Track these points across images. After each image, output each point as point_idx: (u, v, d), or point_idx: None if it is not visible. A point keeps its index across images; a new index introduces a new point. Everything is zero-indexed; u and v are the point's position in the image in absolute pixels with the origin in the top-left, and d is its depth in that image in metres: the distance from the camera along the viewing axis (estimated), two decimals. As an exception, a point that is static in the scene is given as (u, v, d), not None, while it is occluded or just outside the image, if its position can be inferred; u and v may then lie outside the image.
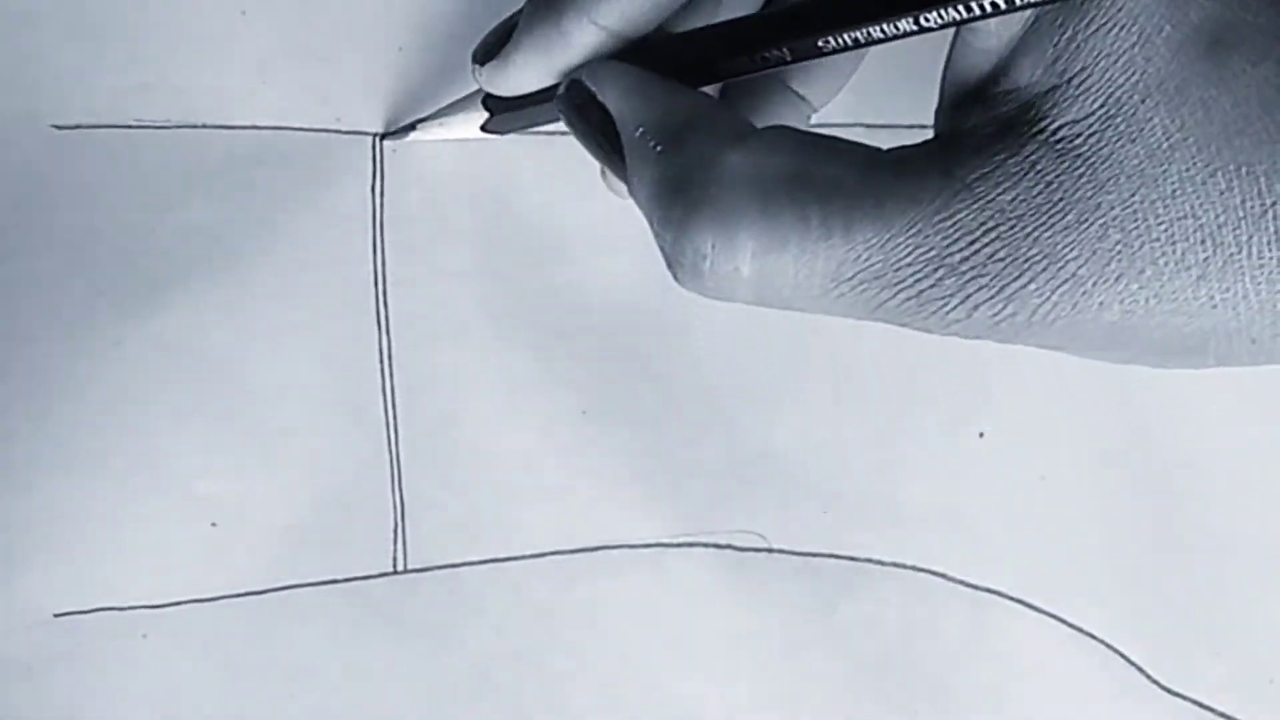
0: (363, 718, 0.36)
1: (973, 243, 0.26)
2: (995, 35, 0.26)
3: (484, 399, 0.37)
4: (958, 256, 0.26)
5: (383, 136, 0.37)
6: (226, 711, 0.36)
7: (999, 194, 0.25)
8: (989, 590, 0.37)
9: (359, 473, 0.37)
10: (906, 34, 0.26)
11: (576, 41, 0.29)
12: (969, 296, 0.26)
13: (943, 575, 0.37)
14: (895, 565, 0.37)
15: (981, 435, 0.38)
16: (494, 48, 0.31)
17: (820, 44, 0.27)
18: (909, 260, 0.26)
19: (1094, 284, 0.25)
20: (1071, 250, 0.25)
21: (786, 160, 0.27)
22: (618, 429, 0.37)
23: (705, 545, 0.37)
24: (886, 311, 0.26)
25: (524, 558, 0.37)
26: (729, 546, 0.37)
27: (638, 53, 0.30)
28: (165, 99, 0.37)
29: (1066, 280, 0.25)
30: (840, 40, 0.27)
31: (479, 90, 0.34)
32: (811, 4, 0.28)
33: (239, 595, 0.37)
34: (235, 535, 0.37)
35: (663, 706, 0.37)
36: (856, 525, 0.37)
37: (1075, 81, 0.25)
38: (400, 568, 0.37)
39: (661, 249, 0.28)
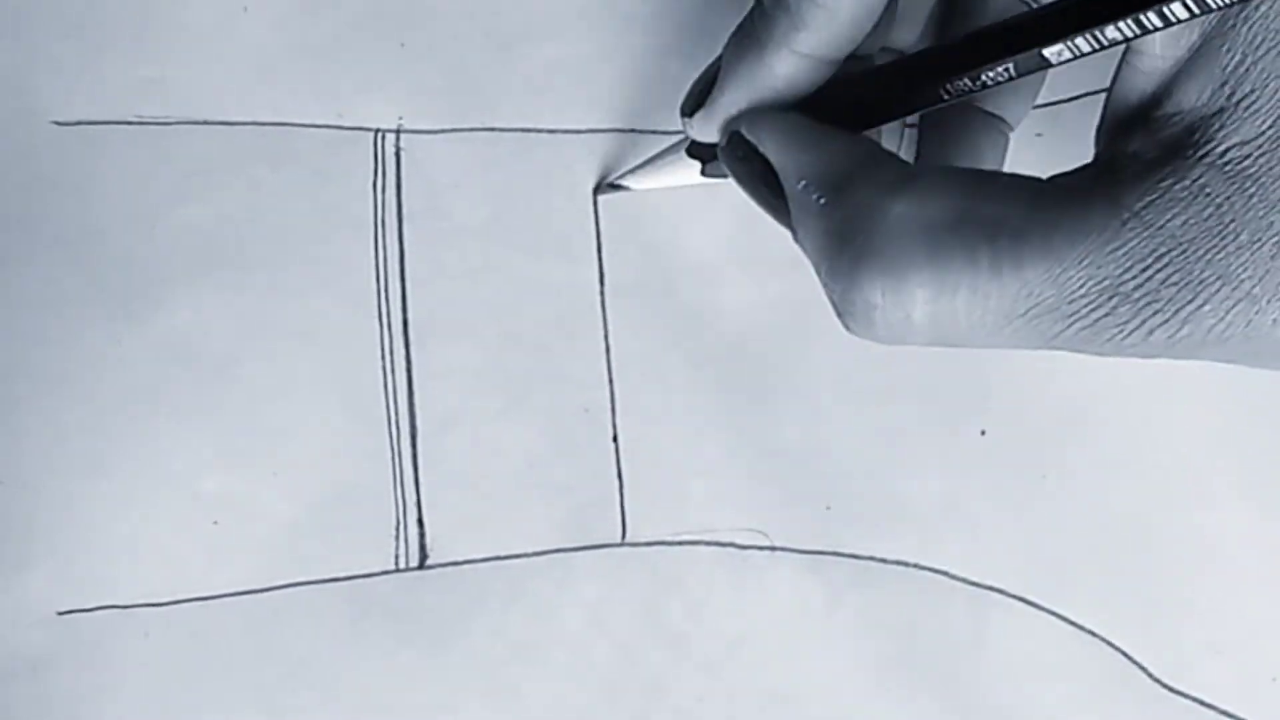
0: (364, 716, 0.36)
1: (1145, 269, 0.25)
2: (1161, 58, 0.26)
3: (485, 397, 0.37)
4: (1131, 284, 0.26)
5: (596, 190, 0.37)
6: (228, 709, 0.36)
7: (1169, 219, 0.25)
8: (991, 588, 0.37)
9: (361, 471, 0.37)
10: (1085, 54, 0.26)
11: (780, 73, 0.29)
12: (1144, 322, 0.26)
13: (945, 573, 0.37)
14: (897, 563, 0.37)
15: (983, 433, 0.38)
16: (700, 97, 0.31)
17: (995, 75, 0.28)
18: (1082, 292, 0.26)
19: (1268, 301, 0.25)
20: (1245, 270, 0.25)
21: (951, 203, 0.27)
22: (619, 427, 0.37)
23: (707, 543, 0.37)
24: (1062, 341, 0.26)
25: (525, 556, 0.37)
26: (731, 545, 0.37)
27: (817, 96, 0.30)
28: (166, 95, 0.37)
29: (1241, 300, 0.25)
30: (1010, 71, 0.27)
31: (682, 140, 0.34)
32: (989, 32, 0.28)
33: (241, 593, 0.37)
34: (237, 534, 0.37)
35: (663, 706, 0.37)
36: (859, 523, 0.37)
37: (1244, 103, 0.25)
38: (402, 566, 0.37)
39: (830, 298, 0.28)
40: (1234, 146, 0.25)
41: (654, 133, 0.37)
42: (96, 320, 0.36)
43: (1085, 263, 0.26)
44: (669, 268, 0.37)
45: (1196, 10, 0.25)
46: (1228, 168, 0.25)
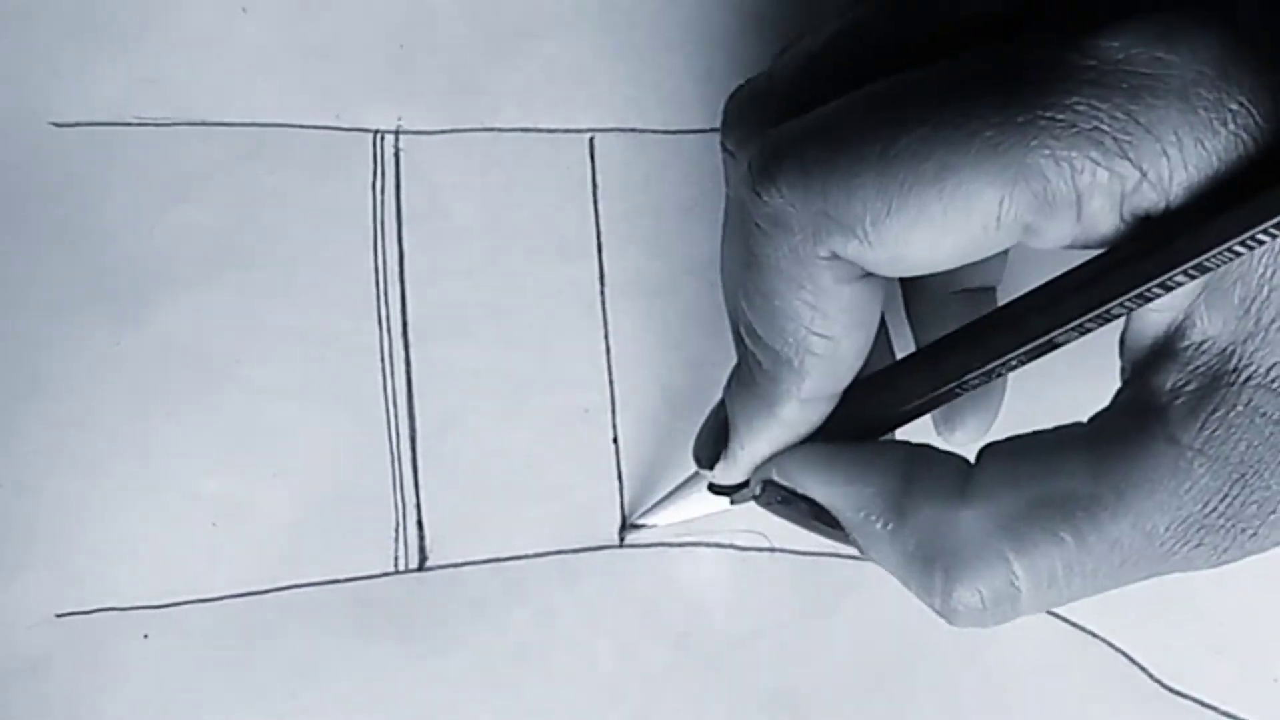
0: (364, 717, 0.36)
1: (1223, 499, 0.26)
2: (1175, 301, 0.26)
3: (485, 398, 0.37)
4: (1214, 516, 0.26)
5: (623, 530, 0.37)
6: (227, 711, 0.36)
7: (1232, 448, 0.26)
8: (991, 589, 0.37)
9: (360, 472, 0.37)
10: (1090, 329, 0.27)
11: (791, 420, 0.29)
12: (1235, 540, 0.27)
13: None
14: (897, 564, 0.37)
15: (984, 434, 0.38)
16: (712, 448, 0.31)
17: (1004, 364, 0.28)
18: (1169, 534, 0.26)
19: None
20: None
21: (1018, 493, 0.27)
22: (620, 428, 0.37)
23: (707, 545, 0.37)
24: (1162, 572, 0.27)
25: (525, 557, 0.37)
26: (731, 546, 0.37)
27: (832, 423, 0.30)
28: (165, 96, 0.37)
29: None
30: (1023, 358, 0.28)
31: (699, 476, 0.34)
32: (995, 319, 0.28)
33: (240, 595, 0.36)
34: (236, 535, 0.37)
35: (663, 707, 0.37)
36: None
37: (1274, 325, 0.26)
38: (401, 567, 0.37)
39: (931, 608, 0.28)
40: (1276, 364, 0.26)
41: (654, 132, 0.37)
42: (96, 320, 0.36)
43: (1165, 509, 0.26)
44: (669, 267, 0.37)
45: (1197, 275, 0.25)
46: (1275, 385, 0.26)
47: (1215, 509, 0.26)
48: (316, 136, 0.37)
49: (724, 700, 0.37)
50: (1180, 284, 0.25)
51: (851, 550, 0.37)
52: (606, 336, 0.37)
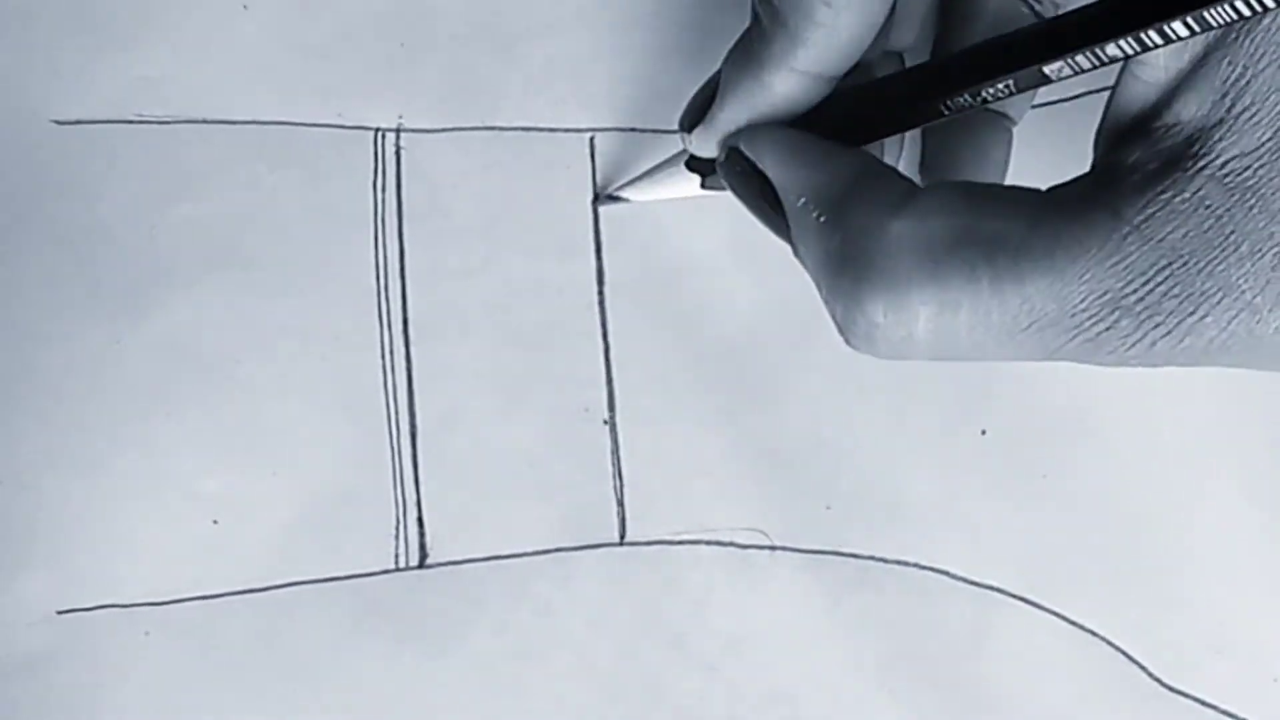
0: (364, 715, 0.36)
1: (1146, 282, 0.26)
2: (1163, 69, 0.26)
3: (485, 396, 0.37)
4: (1133, 297, 0.26)
5: (595, 201, 0.37)
6: (228, 708, 0.36)
7: (1169, 232, 0.25)
8: (991, 588, 0.37)
9: (360, 470, 0.37)
10: (1085, 70, 0.26)
11: (779, 91, 0.29)
12: (1147, 334, 0.26)
13: (945, 573, 0.37)
14: (898, 563, 0.37)
15: (984, 433, 0.38)
16: (699, 112, 0.31)
17: (995, 92, 0.28)
18: (1083, 306, 0.26)
19: (1269, 310, 0.25)
20: (1245, 281, 0.25)
21: (951, 221, 0.27)
22: (619, 427, 0.37)
23: (708, 543, 0.37)
24: (1064, 354, 0.27)
25: (525, 555, 0.37)
26: (731, 544, 0.37)
27: (818, 112, 0.30)
28: (166, 94, 0.37)
29: (1242, 310, 0.25)
30: (1011, 86, 0.27)
31: (681, 152, 0.34)
32: (989, 47, 0.28)
33: (241, 592, 0.37)
34: (237, 533, 0.37)
35: (663, 706, 0.37)
36: (859, 523, 0.37)
37: (1244, 115, 0.25)
38: (402, 565, 0.37)
39: (831, 315, 0.28)
40: (1234, 159, 0.25)
41: (654, 131, 0.37)
42: (96, 320, 0.36)
43: (1086, 277, 0.26)
44: (669, 268, 0.37)
45: (1197, 28, 0.25)
46: (1228, 180, 0.25)
47: (1136, 291, 0.26)
48: (317, 135, 0.37)
49: (724, 700, 0.37)
50: (1181, 35, 0.25)
51: (852, 550, 0.37)
52: (606, 336, 0.37)
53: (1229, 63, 0.25)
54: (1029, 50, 0.27)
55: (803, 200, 0.28)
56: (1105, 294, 0.26)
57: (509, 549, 0.37)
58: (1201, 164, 0.25)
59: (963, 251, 0.26)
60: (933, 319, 0.26)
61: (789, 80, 0.29)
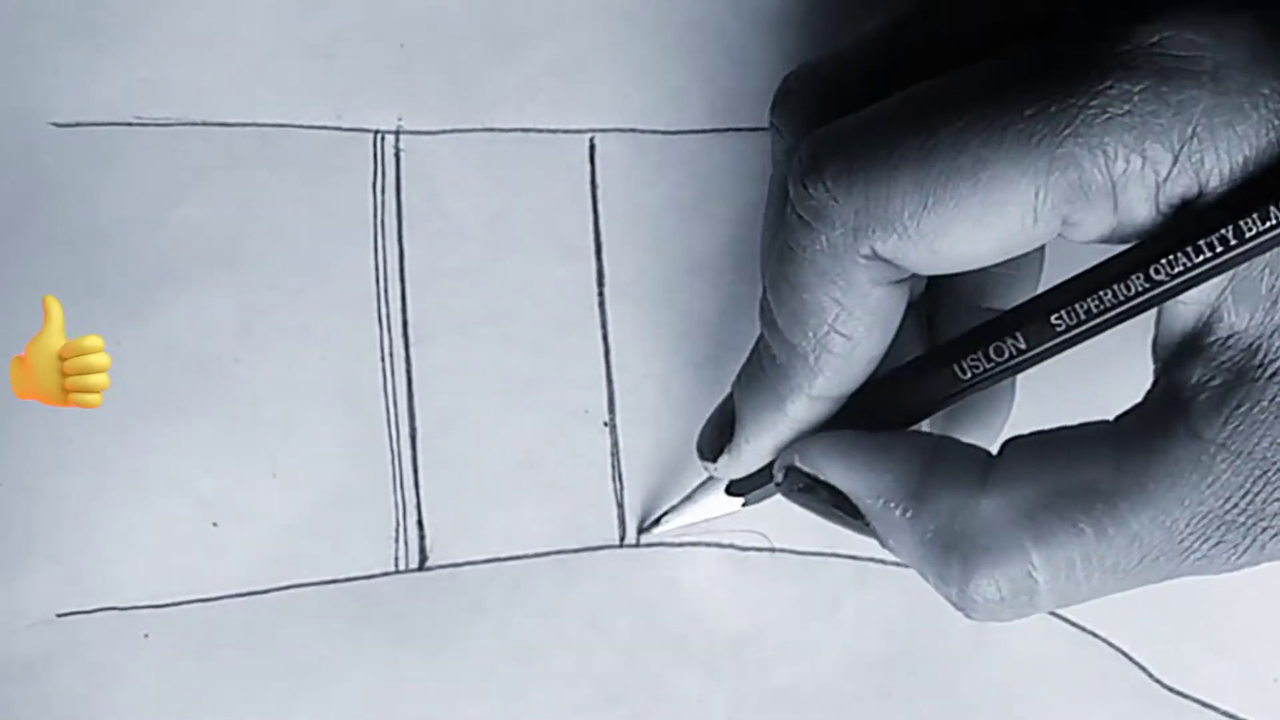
0: (363, 717, 0.36)
1: (1245, 495, 0.26)
2: (1203, 290, 0.26)
3: (485, 398, 0.37)
4: (1235, 512, 0.26)
5: (640, 531, 0.37)
6: (228, 710, 0.36)
7: (1256, 444, 0.26)
8: (991, 589, 0.37)
9: (360, 472, 0.37)
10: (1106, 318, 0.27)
11: (800, 417, 0.30)
12: (1255, 540, 0.26)
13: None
14: (898, 564, 0.37)
15: (984, 434, 0.38)
16: (716, 440, 0.32)
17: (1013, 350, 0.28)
18: (1189, 530, 0.26)
19: None
20: None
21: (1038, 484, 0.27)
22: (619, 428, 0.37)
23: (708, 545, 0.37)
24: (1183, 572, 0.27)
25: (526, 557, 0.37)
26: (731, 546, 0.37)
27: (844, 417, 0.30)
28: (165, 96, 0.37)
29: None
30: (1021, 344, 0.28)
31: (711, 480, 0.34)
32: (999, 322, 0.28)
33: (241, 595, 0.36)
34: (237, 535, 0.37)
35: (663, 706, 0.37)
36: (859, 524, 0.37)
37: None
38: (402, 567, 0.37)
39: (948, 599, 0.28)
40: None
41: (654, 132, 0.37)
42: (96, 321, 0.36)
43: (1187, 503, 0.26)
44: (669, 268, 0.37)
45: (1229, 265, 0.25)
46: None
47: (1237, 505, 0.26)
48: (317, 136, 0.37)
49: (724, 700, 0.37)
50: (1207, 275, 0.25)
51: (852, 550, 0.37)
52: (606, 337, 0.37)
53: (1270, 271, 0.26)
54: (1059, 315, 0.27)
55: (882, 500, 0.28)
56: (1208, 514, 0.26)
57: (509, 551, 0.37)
58: (1271, 371, 0.26)
59: (1060, 510, 0.27)
60: (1050, 581, 0.27)
61: (808, 406, 0.29)
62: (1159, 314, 0.28)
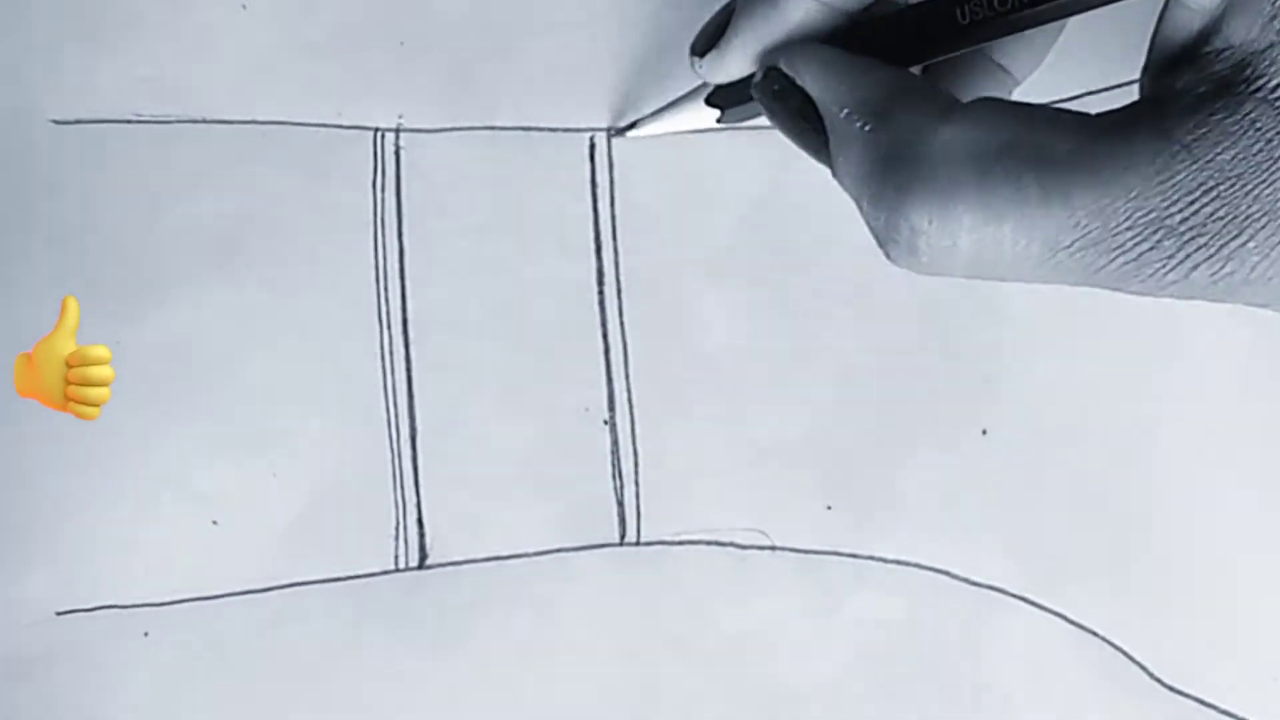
0: (364, 716, 0.36)
1: (1192, 203, 0.25)
2: None
3: (485, 396, 0.37)
4: (1177, 218, 0.25)
5: (617, 132, 0.37)
6: (228, 709, 0.36)
7: (1218, 153, 0.25)
8: (992, 588, 0.37)
9: (360, 470, 0.37)
10: None
11: (793, 18, 0.30)
12: (1188, 257, 0.26)
13: (946, 573, 0.37)
14: (898, 563, 0.37)
15: (985, 433, 0.38)
16: (711, 38, 0.31)
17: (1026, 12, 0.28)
18: (1128, 224, 0.26)
19: None
20: None
21: (999, 131, 0.26)
22: (619, 427, 0.37)
23: (708, 543, 0.37)
24: (1104, 276, 0.26)
25: (525, 556, 0.37)
26: (731, 544, 0.37)
27: (835, 38, 0.30)
28: (165, 93, 0.37)
29: None
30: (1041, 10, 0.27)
31: (701, 87, 0.34)
32: None
33: (241, 593, 0.37)
34: (237, 533, 0.37)
35: (663, 706, 0.37)
36: (859, 523, 0.37)
37: None
38: (402, 566, 0.37)
39: (872, 228, 0.28)
40: None
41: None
42: (96, 320, 0.36)
43: (1132, 195, 0.25)
44: (669, 267, 0.37)
45: None
46: (1279, 103, 0.25)
47: (1180, 211, 0.25)
48: (317, 134, 0.37)
49: (724, 700, 0.37)
50: None
51: (852, 550, 0.37)
52: (606, 336, 0.37)
53: None
54: None
55: (845, 111, 0.28)
56: (1150, 213, 0.25)
57: (509, 549, 0.37)
58: (1254, 87, 0.25)
59: (1010, 162, 0.26)
60: (977, 229, 0.26)
61: (805, 8, 0.29)
62: (1159, 23, 0.27)
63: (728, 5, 0.31)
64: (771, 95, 0.30)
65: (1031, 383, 0.38)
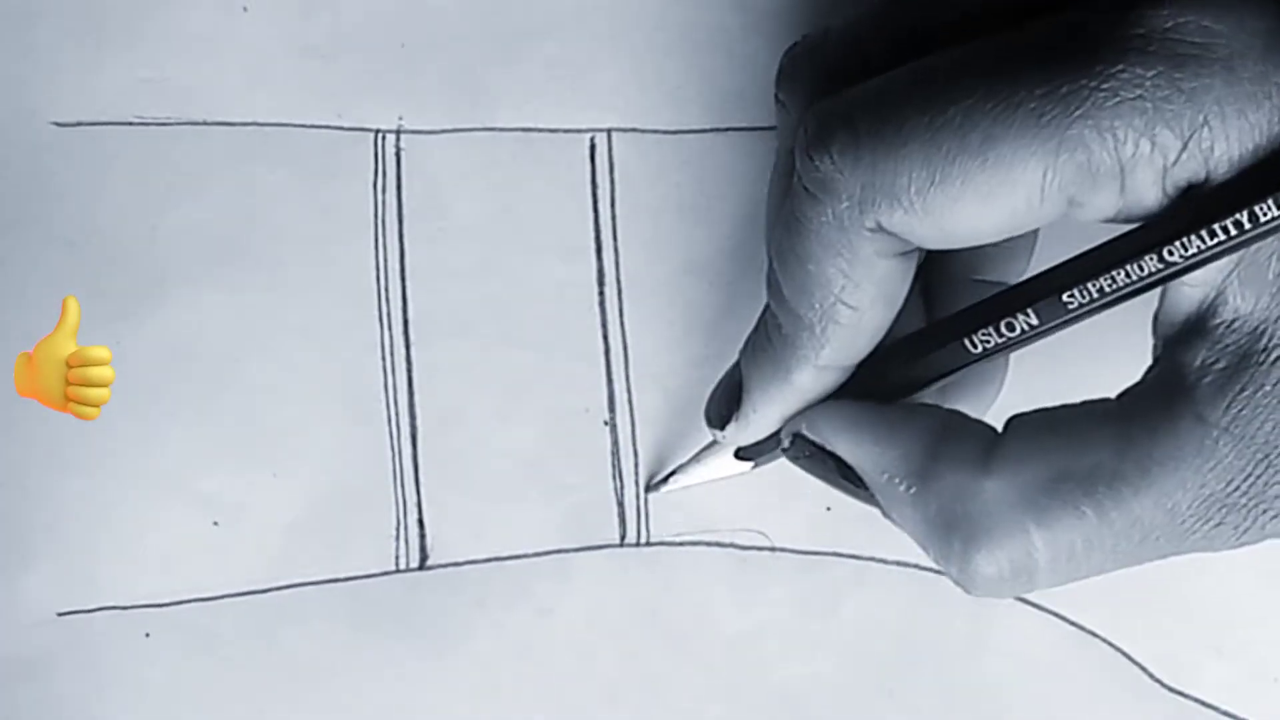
0: (365, 716, 0.36)
1: (1246, 478, 0.26)
2: (1211, 270, 0.26)
3: (486, 397, 0.37)
4: (1236, 495, 0.26)
5: (648, 489, 0.37)
6: (229, 710, 0.36)
7: (1259, 428, 0.26)
8: (991, 588, 0.37)
9: (361, 471, 0.37)
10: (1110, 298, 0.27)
11: (807, 387, 0.30)
12: (1256, 520, 0.26)
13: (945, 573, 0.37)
14: (898, 564, 0.37)
15: (984, 433, 0.38)
16: (724, 409, 0.32)
17: (1026, 326, 0.28)
18: (1190, 511, 0.26)
19: None
20: None
21: (1042, 468, 0.27)
22: (619, 427, 0.37)
23: (707, 544, 0.37)
24: (1183, 551, 0.27)
25: (526, 556, 0.37)
26: (731, 545, 0.37)
27: (851, 385, 0.30)
28: (166, 96, 0.37)
29: None
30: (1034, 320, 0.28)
31: (717, 442, 0.34)
32: (1015, 292, 0.29)
33: (241, 594, 0.37)
34: (237, 534, 0.37)
35: (663, 706, 0.37)
36: (859, 523, 0.37)
37: None
38: (402, 566, 0.37)
39: (949, 575, 0.28)
40: None
41: (655, 132, 0.37)
42: (96, 320, 0.36)
43: (1188, 486, 0.26)
44: (669, 267, 0.37)
45: (1234, 249, 0.25)
46: None
47: (1238, 488, 0.26)
48: (317, 136, 0.37)
49: (724, 700, 0.37)
50: (1217, 256, 0.25)
51: (852, 550, 0.37)
52: (606, 336, 0.37)
53: (1277, 257, 0.26)
54: (1065, 292, 0.27)
55: (886, 475, 0.29)
56: (1209, 497, 0.26)
57: (509, 550, 0.37)
58: (1275, 355, 0.26)
59: (1062, 493, 0.27)
60: (1050, 562, 0.27)
61: (815, 376, 0.29)
62: (1163, 293, 0.28)
63: (733, 371, 0.32)
64: (804, 460, 0.30)
65: (1030, 383, 0.38)
